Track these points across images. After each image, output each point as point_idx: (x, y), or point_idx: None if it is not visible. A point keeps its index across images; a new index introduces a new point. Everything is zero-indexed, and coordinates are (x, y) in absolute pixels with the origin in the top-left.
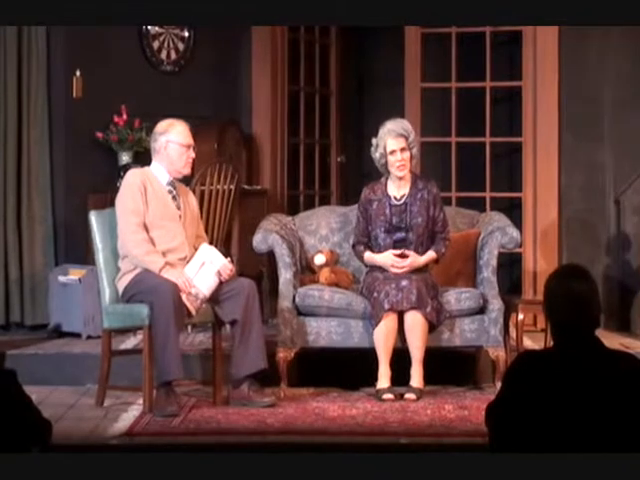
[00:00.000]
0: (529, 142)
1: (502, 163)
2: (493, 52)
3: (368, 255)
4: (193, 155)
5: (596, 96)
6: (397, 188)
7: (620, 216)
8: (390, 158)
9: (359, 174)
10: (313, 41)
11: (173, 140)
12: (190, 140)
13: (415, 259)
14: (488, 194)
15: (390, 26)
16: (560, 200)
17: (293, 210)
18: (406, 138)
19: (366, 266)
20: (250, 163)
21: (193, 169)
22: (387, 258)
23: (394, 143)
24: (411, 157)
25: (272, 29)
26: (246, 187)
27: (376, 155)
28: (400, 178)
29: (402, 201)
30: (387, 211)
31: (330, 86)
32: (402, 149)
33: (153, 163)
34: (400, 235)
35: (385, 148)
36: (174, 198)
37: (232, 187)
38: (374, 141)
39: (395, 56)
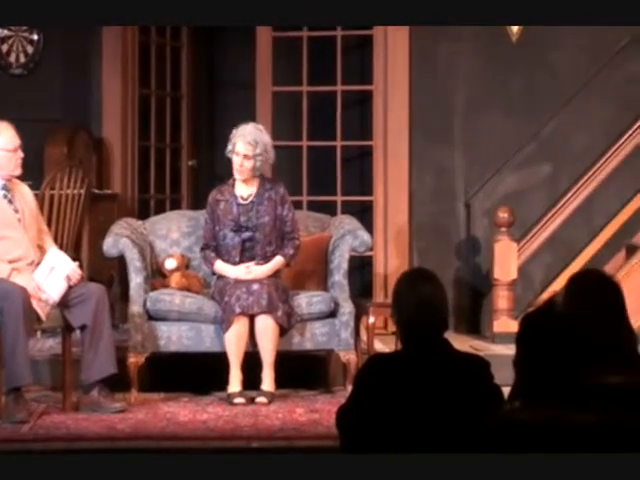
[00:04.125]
0: (379, 145)
1: (353, 167)
2: (344, 56)
3: (219, 266)
4: (22, 154)
5: (447, 99)
6: (244, 188)
7: (470, 219)
8: (234, 157)
9: (210, 178)
10: (164, 44)
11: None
12: (16, 142)
13: (259, 271)
14: (339, 198)
15: (241, 29)
16: (411, 203)
17: (144, 214)
18: (254, 148)
19: (213, 274)
20: (100, 167)
21: (23, 167)
22: (239, 272)
23: (242, 147)
24: (253, 166)
25: (123, 32)
26: (96, 191)
27: (228, 146)
28: (242, 181)
29: (249, 200)
30: (234, 210)
31: (181, 89)
32: (245, 156)
33: None
34: (247, 234)
35: (234, 146)
36: (10, 202)
37: (82, 191)
38: (233, 131)
39: (247, 59)
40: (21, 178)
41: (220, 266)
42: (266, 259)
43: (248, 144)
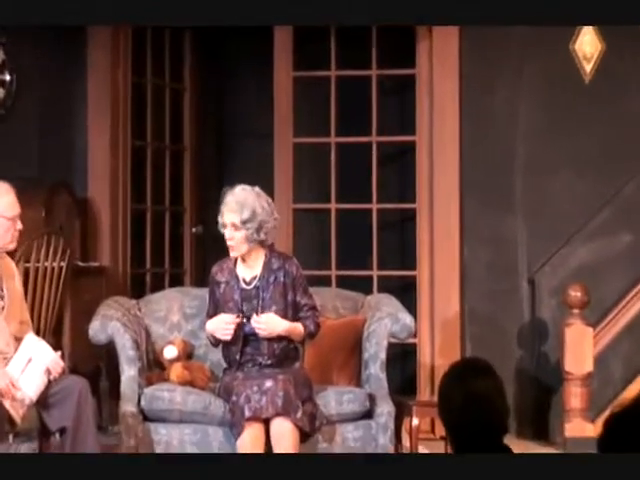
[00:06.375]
0: (424, 209)
1: (392, 235)
2: (381, 100)
3: (209, 325)
4: (20, 226)
5: (505, 155)
6: (248, 268)
7: (535, 299)
8: (224, 231)
9: (219, 247)
10: (163, 86)
11: None
12: (17, 210)
13: (270, 320)
14: (375, 272)
15: (256, 64)
16: (462, 280)
17: (138, 292)
18: (240, 213)
19: (214, 345)
20: (85, 234)
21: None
22: (219, 321)
23: (227, 216)
24: (246, 237)
25: (112, 72)
26: (80, 264)
27: (218, 218)
28: (242, 258)
29: (252, 285)
30: (236, 297)
31: (184, 140)
32: (233, 225)
33: None
34: (250, 327)
35: (221, 217)
36: None
37: (63, 264)
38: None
39: (262, 105)
40: None
41: (210, 325)
42: (274, 358)
43: (231, 211)
